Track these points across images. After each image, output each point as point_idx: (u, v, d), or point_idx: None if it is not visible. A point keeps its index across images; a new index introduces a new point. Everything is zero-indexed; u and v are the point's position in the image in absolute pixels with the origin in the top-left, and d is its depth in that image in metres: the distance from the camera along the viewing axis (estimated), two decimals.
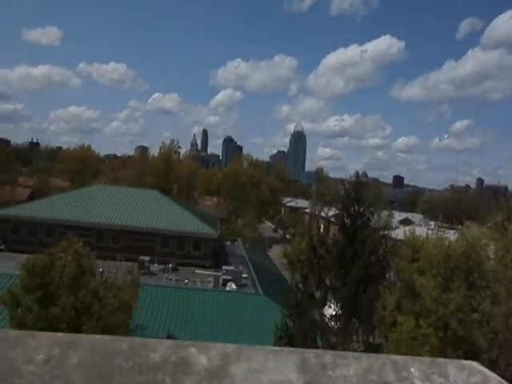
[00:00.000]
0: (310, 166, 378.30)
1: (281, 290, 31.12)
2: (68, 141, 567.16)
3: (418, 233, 19.99)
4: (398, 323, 11.32)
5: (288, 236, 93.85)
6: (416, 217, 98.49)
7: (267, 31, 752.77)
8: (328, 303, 11.78)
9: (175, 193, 74.64)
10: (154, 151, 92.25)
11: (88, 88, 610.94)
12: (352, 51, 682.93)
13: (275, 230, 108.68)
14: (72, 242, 20.44)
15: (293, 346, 10.83)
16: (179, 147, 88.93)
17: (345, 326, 10.81)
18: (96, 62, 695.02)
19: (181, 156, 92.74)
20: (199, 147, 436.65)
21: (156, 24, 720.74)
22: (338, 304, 11.24)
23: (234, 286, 30.12)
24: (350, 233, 11.30)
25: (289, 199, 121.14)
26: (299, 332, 10.64)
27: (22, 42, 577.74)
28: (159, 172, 77.83)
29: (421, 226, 72.73)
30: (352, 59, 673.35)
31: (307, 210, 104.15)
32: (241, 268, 33.64)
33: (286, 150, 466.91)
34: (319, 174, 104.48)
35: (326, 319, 11.40)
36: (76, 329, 18.15)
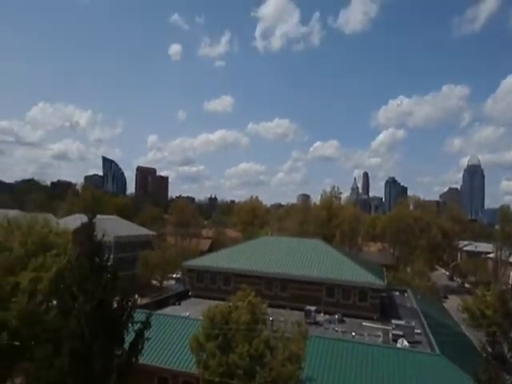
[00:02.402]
0: (490, 203, 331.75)
1: (462, 351, 27.46)
2: (240, 194, 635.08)
3: None
4: None
5: (467, 285, 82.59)
6: None
7: (432, 61, 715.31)
8: None
9: (338, 239, 74.67)
10: (316, 198, 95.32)
11: (255, 145, 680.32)
12: None
13: (451, 279, 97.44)
14: (246, 293, 22.41)
15: None
16: (340, 193, 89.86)
17: None
18: (262, 121, 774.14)
19: (342, 201, 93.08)
20: (360, 191, 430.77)
21: (313, 77, 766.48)
22: None
23: (406, 343, 27.82)
24: None
25: (466, 242, 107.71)
26: None
27: (203, 112, 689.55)
28: (321, 219, 79.39)
29: None
30: None
31: (491, 255, 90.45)
32: (413, 323, 30.98)
33: (458, 187, 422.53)
34: (504, 212, 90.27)
35: None
36: (251, 376, 19.46)
